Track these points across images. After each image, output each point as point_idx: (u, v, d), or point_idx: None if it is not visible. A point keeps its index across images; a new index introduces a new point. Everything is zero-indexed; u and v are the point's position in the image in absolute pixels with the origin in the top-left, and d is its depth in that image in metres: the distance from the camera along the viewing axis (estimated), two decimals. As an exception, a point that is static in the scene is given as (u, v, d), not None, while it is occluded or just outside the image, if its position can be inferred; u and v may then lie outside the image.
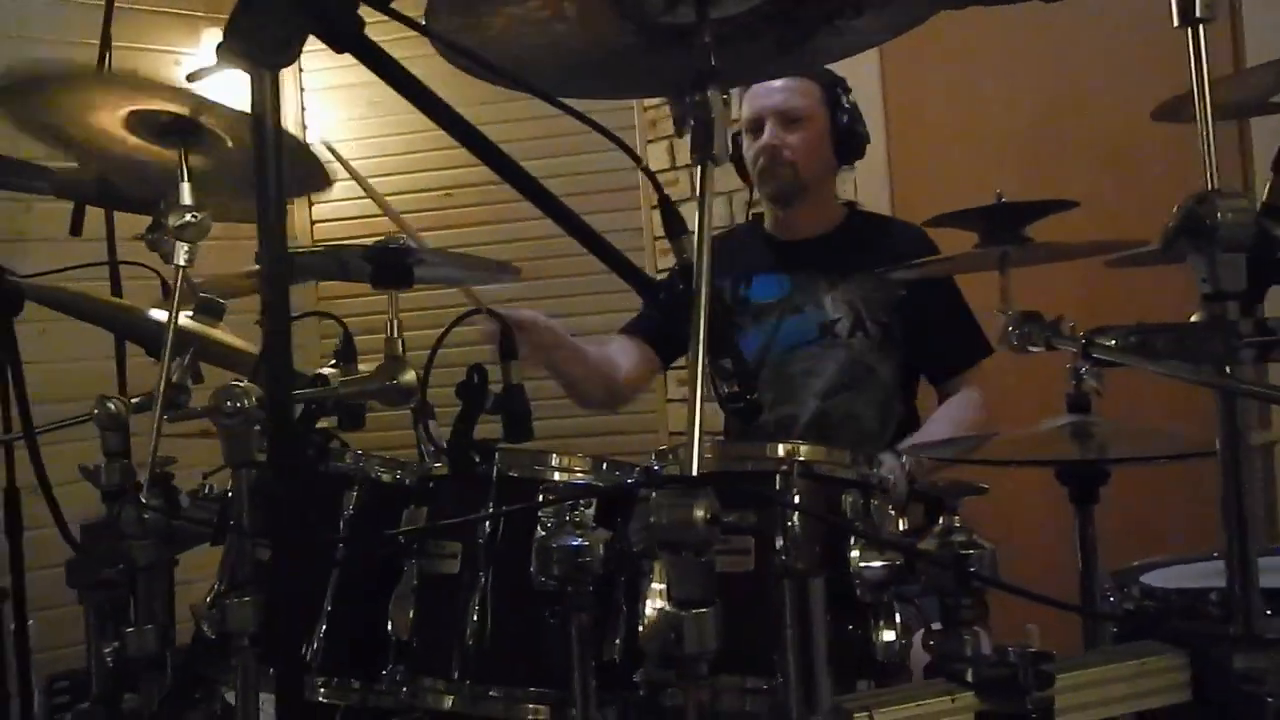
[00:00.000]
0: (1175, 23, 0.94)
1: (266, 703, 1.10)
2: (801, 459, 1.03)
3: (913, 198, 3.49)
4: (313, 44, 0.77)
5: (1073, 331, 1.14)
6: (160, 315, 1.75)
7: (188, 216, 1.33)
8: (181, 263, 1.35)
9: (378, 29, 0.82)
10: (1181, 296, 0.97)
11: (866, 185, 3.50)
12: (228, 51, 0.65)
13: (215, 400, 1.13)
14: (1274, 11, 2.65)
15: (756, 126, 2.17)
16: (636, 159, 1.06)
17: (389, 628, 1.21)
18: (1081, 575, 1.25)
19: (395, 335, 1.34)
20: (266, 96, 0.65)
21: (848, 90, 2.23)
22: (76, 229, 2.12)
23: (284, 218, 0.70)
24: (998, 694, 0.86)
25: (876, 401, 2.11)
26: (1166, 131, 1.33)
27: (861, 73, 3.54)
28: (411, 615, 1.21)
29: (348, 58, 0.99)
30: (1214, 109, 1.21)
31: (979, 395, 2.07)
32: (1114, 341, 0.99)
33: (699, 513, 0.80)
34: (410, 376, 1.30)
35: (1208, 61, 0.93)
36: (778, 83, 2.16)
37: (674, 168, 4.20)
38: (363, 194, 5.00)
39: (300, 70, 4.59)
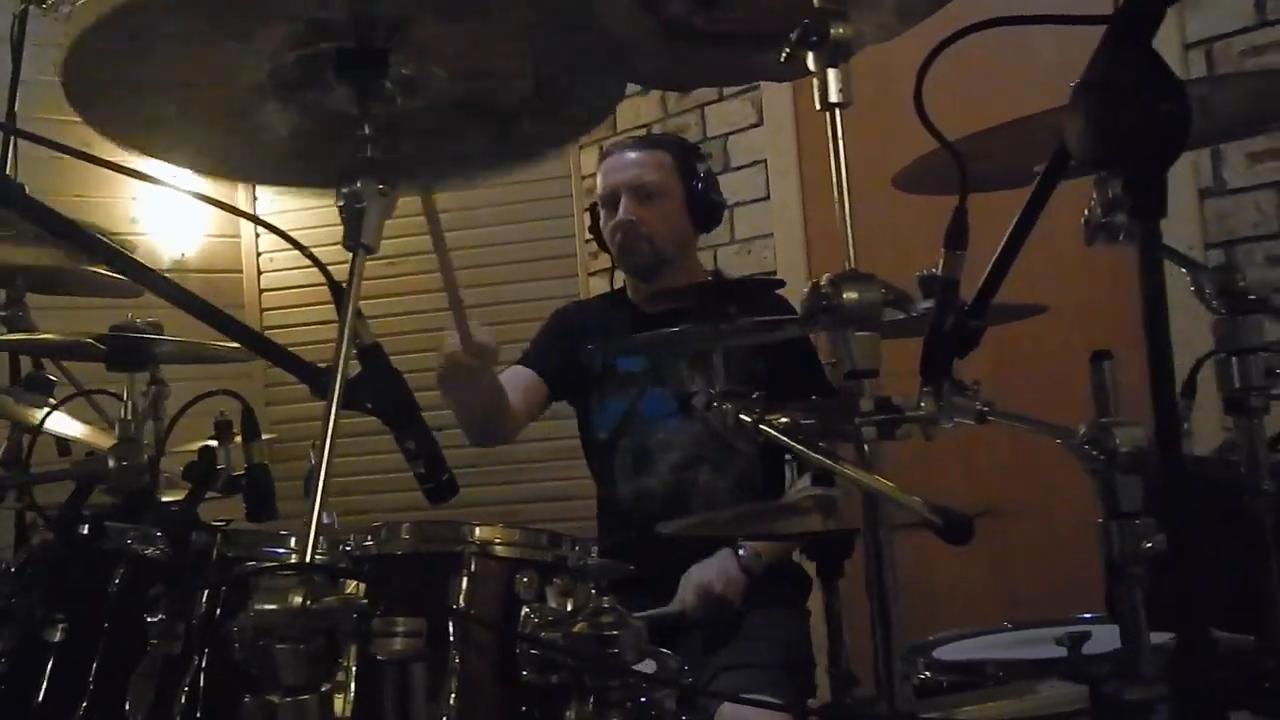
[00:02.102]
0: (817, 106, 0.96)
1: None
2: (483, 540, 1.04)
3: (830, 265, 3.51)
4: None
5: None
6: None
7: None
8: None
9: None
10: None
11: (785, 253, 3.54)
12: None
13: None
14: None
15: (612, 201, 2.18)
16: (309, 255, 1.07)
17: (126, 708, 1.22)
18: (829, 650, 1.23)
19: (130, 417, 1.36)
20: None
21: (703, 158, 2.24)
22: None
23: None
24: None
25: (734, 475, 2.09)
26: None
27: (779, 142, 3.61)
28: (151, 695, 1.21)
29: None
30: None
31: None
32: (785, 420, 0.99)
33: (295, 600, 0.80)
34: (144, 458, 1.32)
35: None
36: (631, 155, 2.17)
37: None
38: (309, 264, 5.06)
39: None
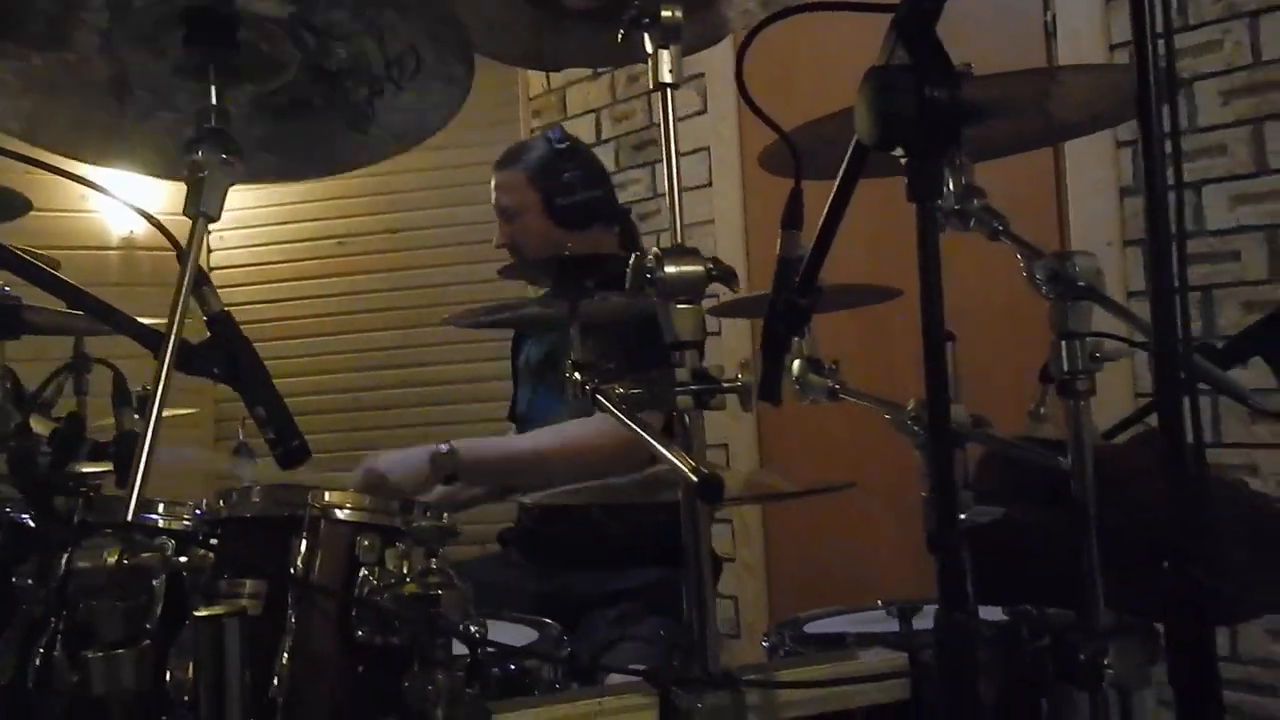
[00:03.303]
0: (650, 86, 0.99)
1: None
2: (327, 504, 1.06)
3: (768, 258, 3.55)
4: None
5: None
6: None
7: None
8: None
9: None
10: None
11: (724, 239, 3.57)
12: None
13: None
14: (1089, 23, 2.75)
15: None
16: (155, 222, 1.07)
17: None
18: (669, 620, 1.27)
19: (-6, 385, 1.37)
20: None
21: (564, 157, 2.26)
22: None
23: None
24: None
25: None
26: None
27: (722, 130, 3.64)
28: (14, 658, 1.22)
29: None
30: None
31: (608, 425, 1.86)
32: (621, 390, 1.02)
33: (109, 558, 0.83)
34: (10, 425, 1.33)
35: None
36: (494, 178, 2.28)
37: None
38: (260, 243, 5.05)
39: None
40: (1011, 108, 1.27)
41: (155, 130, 1.06)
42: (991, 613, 1.19)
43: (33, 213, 1.79)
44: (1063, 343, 1.11)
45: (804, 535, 3.19)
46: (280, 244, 4.64)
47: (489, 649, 1.13)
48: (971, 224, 1.24)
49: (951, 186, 1.24)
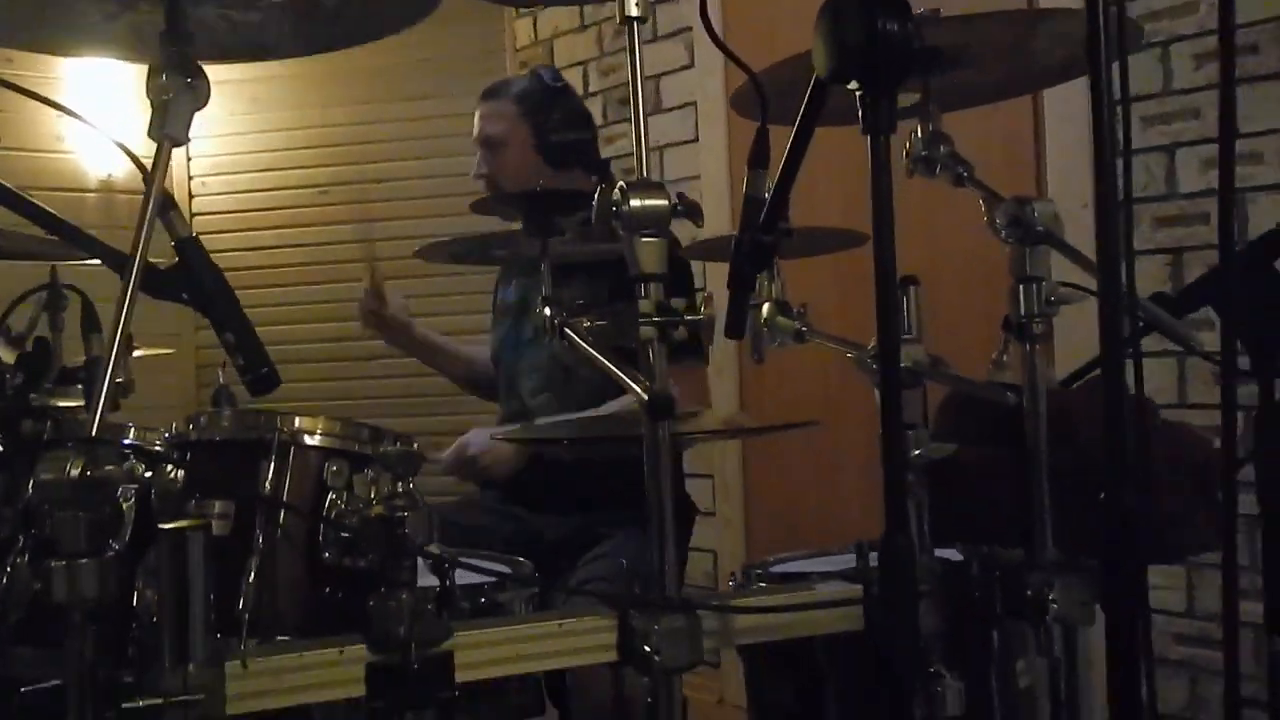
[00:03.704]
0: (618, 20, 1.00)
1: None
2: (297, 429, 1.08)
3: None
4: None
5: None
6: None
7: None
8: None
9: None
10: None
11: (710, 194, 3.58)
12: None
13: None
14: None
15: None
16: (124, 148, 1.07)
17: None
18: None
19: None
20: None
21: (557, 95, 2.25)
22: None
23: None
24: (385, 647, 0.91)
25: (577, 404, 2.09)
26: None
27: (709, 85, 3.63)
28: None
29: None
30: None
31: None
32: (588, 324, 1.04)
33: (74, 470, 0.85)
34: None
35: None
36: (481, 108, 2.26)
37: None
38: (243, 190, 5.01)
39: (187, 64, 4.62)
40: (982, 53, 1.28)
41: (123, 12, 1.05)
42: (951, 555, 1.22)
43: (3, 151, 1.78)
44: (1020, 286, 1.13)
45: (784, 491, 3.22)
46: (263, 192, 4.61)
47: (459, 567, 1.15)
48: (938, 170, 1.26)
49: (920, 133, 1.26)
